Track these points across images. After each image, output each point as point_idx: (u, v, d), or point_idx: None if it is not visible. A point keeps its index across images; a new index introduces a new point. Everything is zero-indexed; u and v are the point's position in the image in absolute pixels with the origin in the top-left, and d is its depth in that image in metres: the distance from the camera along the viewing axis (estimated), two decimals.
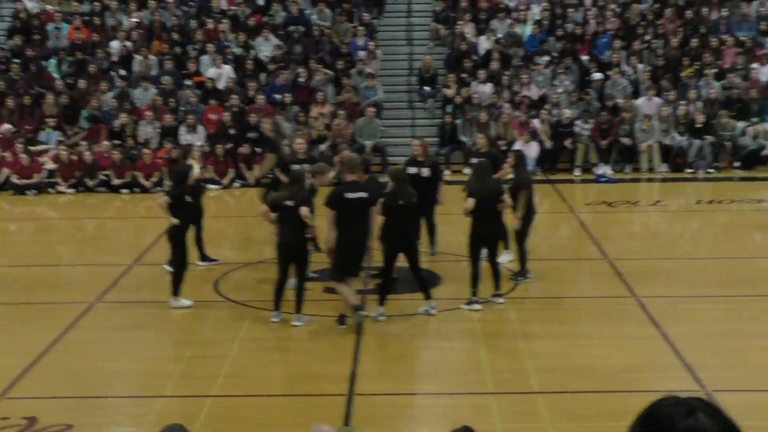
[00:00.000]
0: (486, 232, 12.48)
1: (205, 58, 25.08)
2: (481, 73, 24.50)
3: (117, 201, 21.23)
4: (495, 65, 24.88)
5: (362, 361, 10.91)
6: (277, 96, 23.90)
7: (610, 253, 15.47)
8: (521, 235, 13.65)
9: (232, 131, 22.94)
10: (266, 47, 25.70)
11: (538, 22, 26.29)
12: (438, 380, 10.73)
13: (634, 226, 18.89)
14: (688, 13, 26.37)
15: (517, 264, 13.96)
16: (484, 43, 25.88)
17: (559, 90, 24.26)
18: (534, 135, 22.32)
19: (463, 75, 24.82)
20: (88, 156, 21.96)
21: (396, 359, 11.44)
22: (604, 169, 22.91)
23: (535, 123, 23.15)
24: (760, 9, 26.60)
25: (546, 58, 25.24)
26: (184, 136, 22.86)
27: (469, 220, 12.56)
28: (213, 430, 9.11)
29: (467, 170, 19.57)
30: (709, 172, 22.83)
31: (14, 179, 21.86)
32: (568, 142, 23.21)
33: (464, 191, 12.87)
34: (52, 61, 25.45)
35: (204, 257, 14.93)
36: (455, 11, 26.99)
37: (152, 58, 25.23)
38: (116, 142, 22.72)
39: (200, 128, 23.14)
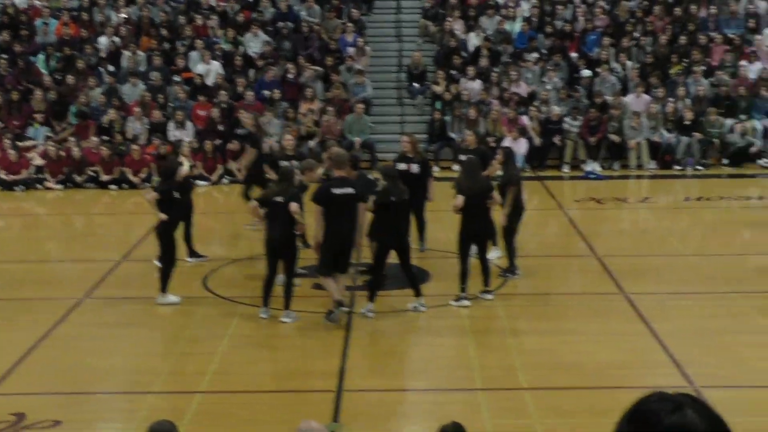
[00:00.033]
0: (475, 229, 12.49)
1: (193, 54, 25.01)
2: (470, 70, 24.50)
3: (105, 197, 21.17)
4: (484, 62, 24.89)
5: (351, 358, 10.91)
6: (266, 92, 23.85)
7: (599, 249, 15.50)
8: (509, 231, 13.66)
9: (220, 127, 22.88)
10: (255, 43, 25.65)
11: (527, 19, 26.30)
12: (427, 376, 10.75)
13: (623, 222, 18.94)
14: (677, 11, 26.43)
15: (506, 260, 13.98)
16: (473, 40, 25.88)
17: (548, 87, 24.28)
18: (523, 132, 22.33)
19: (452, 72, 24.81)
20: (76, 152, 21.89)
21: (385, 355, 11.45)
22: (593, 166, 22.95)
23: (524, 120, 23.16)
24: (749, 6, 26.66)
25: (535, 55, 25.26)
26: (173, 132, 22.81)
27: (459, 216, 12.56)
28: (201, 426, 9.11)
29: (456, 167, 19.58)
30: (697, 169, 22.88)
31: (2, 175, 21.78)
32: (557, 139, 23.22)
33: (453, 188, 12.88)
34: (40, 57, 25.34)
35: (193, 253, 14.91)
36: (444, 8, 26.98)
37: (141, 53, 25.14)
38: (104, 138, 22.64)
39: (189, 124, 23.08)
